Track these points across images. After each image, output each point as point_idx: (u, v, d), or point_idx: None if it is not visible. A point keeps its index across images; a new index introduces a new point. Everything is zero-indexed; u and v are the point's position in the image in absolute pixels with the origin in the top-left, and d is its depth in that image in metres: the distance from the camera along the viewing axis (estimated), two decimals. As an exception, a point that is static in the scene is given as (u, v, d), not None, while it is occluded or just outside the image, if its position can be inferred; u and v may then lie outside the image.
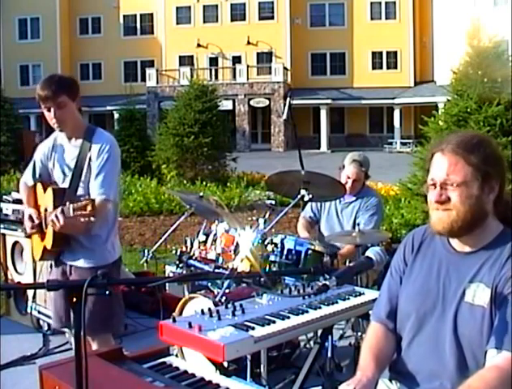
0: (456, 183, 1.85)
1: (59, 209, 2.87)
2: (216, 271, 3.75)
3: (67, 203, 2.82)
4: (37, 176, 3.29)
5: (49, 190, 3.13)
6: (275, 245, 3.81)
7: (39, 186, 3.26)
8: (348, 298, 2.51)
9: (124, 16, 38.62)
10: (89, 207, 2.70)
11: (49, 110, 3.06)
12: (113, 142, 3.18)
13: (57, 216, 2.86)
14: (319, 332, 2.64)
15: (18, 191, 5.47)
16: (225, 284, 3.57)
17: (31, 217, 3.18)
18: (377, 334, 2.07)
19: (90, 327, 2.97)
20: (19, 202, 4.99)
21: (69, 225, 2.88)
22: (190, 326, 2.03)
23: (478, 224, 1.89)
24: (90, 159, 3.12)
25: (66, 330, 4.03)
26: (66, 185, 3.17)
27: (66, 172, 3.19)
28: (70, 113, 3.09)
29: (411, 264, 2.06)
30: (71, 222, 2.83)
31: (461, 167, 1.85)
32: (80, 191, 3.13)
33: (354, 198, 4.63)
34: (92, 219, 2.77)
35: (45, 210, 3.16)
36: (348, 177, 4.59)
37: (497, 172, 1.91)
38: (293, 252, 3.85)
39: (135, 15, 38.62)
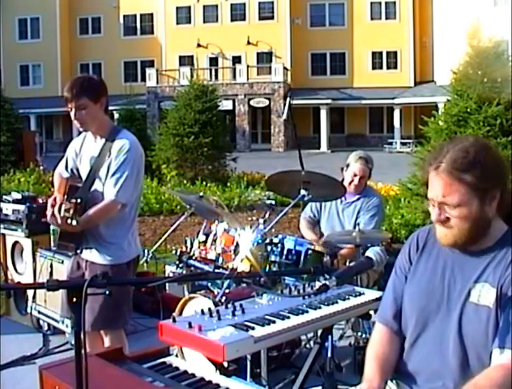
0: (453, 205, 1.84)
1: (56, 207, 3.02)
2: (216, 271, 3.75)
3: (64, 202, 2.98)
4: (69, 171, 3.44)
5: (68, 186, 3.29)
6: (275, 245, 3.81)
7: (69, 180, 3.44)
8: (348, 298, 2.50)
9: (124, 16, 38.63)
10: (71, 211, 2.86)
11: (71, 111, 3.17)
12: (134, 144, 3.26)
13: (52, 213, 3.02)
14: (319, 332, 2.64)
15: (18, 191, 5.51)
16: (225, 284, 3.57)
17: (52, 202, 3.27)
18: (382, 338, 2.06)
19: (98, 321, 3.07)
20: (19, 202, 5.00)
21: (54, 223, 3.07)
22: (190, 326, 2.02)
23: (482, 233, 1.89)
24: (109, 158, 3.19)
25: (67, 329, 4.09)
26: None
27: (87, 169, 3.28)
28: (90, 115, 3.17)
29: (415, 263, 2.05)
30: (60, 221, 2.99)
31: (456, 188, 1.82)
32: (97, 189, 3.21)
33: (356, 198, 4.60)
34: (74, 223, 2.93)
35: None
36: (355, 174, 4.53)
37: (497, 182, 1.85)
38: (293, 252, 3.85)
39: (135, 15, 38.63)
